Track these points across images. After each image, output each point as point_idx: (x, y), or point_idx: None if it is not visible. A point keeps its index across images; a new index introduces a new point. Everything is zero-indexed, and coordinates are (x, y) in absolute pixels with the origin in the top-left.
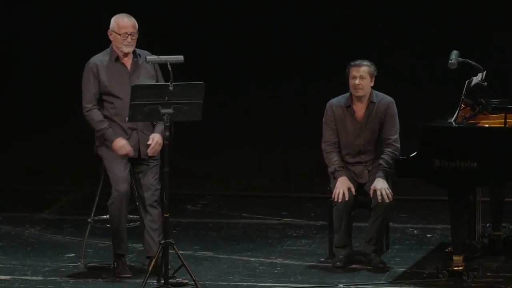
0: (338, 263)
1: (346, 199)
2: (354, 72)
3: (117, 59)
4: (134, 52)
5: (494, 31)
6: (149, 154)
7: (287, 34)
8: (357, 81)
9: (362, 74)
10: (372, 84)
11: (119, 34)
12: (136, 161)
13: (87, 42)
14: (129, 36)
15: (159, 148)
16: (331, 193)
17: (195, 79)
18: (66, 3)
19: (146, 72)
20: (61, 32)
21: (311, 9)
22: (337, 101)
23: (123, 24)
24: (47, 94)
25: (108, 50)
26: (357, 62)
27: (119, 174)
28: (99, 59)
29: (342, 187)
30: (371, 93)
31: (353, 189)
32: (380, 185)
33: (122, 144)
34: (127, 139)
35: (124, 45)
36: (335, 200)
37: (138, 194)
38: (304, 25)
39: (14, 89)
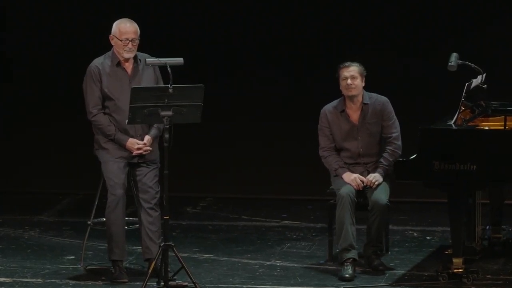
0: (346, 275)
1: (361, 187)
2: (344, 73)
3: (118, 63)
4: (135, 57)
5: (494, 31)
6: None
7: (286, 33)
8: (349, 81)
9: (352, 74)
10: (363, 84)
11: (120, 40)
12: (136, 164)
13: (82, 41)
14: (130, 42)
15: (147, 148)
16: (331, 194)
17: (195, 80)
18: (65, 3)
19: (147, 77)
20: (55, 31)
21: (310, 9)
22: (331, 106)
23: (124, 30)
24: (47, 95)
25: (109, 53)
26: (346, 64)
27: (116, 180)
28: (100, 62)
29: (354, 175)
30: (363, 95)
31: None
32: (373, 175)
33: (134, 142)
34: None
35: (125, 51)
36: (357, 188)
37: (137, 196)
38: (302, 24)
39: (13, 90)
